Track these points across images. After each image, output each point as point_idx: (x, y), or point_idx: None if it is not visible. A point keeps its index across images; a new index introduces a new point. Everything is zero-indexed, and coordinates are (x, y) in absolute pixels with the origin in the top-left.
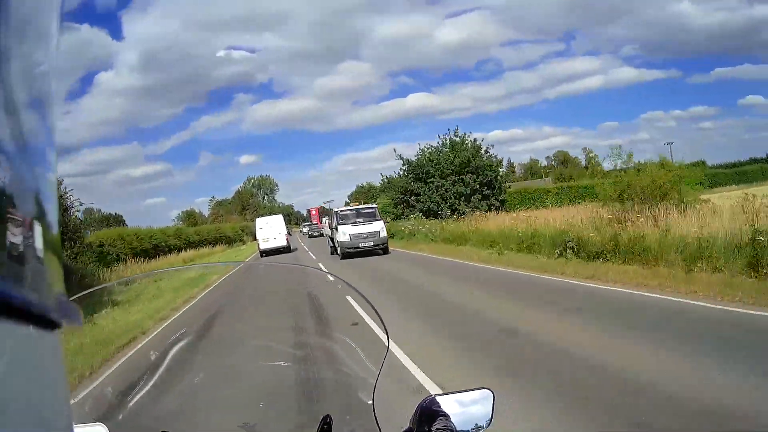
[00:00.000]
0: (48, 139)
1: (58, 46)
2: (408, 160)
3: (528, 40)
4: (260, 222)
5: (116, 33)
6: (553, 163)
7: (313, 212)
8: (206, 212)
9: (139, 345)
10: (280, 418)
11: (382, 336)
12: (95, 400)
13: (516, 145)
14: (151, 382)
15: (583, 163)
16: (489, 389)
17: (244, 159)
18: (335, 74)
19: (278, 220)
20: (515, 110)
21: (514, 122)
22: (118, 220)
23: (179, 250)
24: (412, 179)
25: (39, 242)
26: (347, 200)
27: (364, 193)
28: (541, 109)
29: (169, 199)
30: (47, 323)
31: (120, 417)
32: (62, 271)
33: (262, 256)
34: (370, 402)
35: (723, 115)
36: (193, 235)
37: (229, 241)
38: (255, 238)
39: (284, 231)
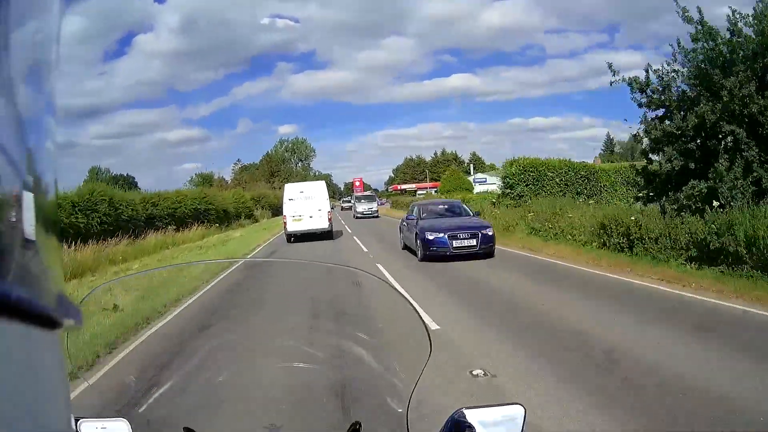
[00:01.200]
0: (47, 107)
1: (61, 14)
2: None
3: (572, 30)
4: (290, 190)
5: None
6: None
7: (357, 183)
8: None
9: (155, 329)
10: (306, 421)
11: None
12: (117, 393)
13: (556, 133)
14: (174, 378)
15: None
16: (521, 405)
17: (283, 129)
18: (378, 49)
19: (319, 188)
20: (556, 97)
21: (554, 110)
22: (128, 182)
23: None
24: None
25: (38, 241)
26: (391, 175)
27: (413, 167)
28: (581, 99)
29: (206, 165)
30: (47, 323)
31: (142, 412)
32: (62, 271)
33: (289, 240)
34: (402, 411)
35: None
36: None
37: (222, 220)
38: (280, 213)
39: (327, 206)
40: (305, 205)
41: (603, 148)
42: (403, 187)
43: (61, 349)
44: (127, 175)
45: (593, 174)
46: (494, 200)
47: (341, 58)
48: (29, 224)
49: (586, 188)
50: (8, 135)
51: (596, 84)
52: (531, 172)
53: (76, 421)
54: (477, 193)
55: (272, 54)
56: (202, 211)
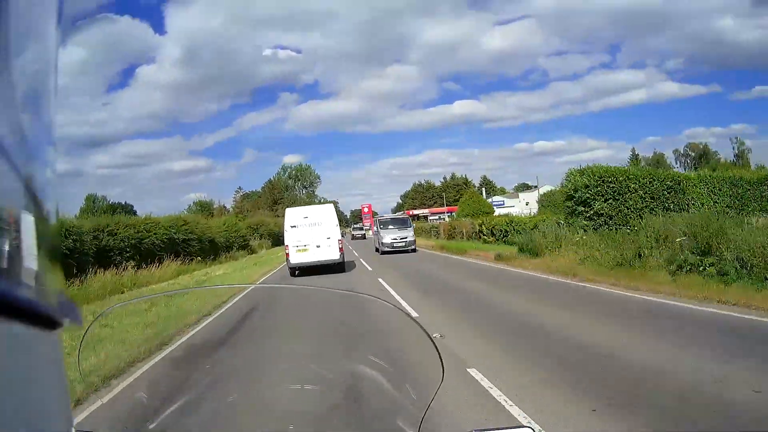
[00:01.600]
0: (45, 136)
1: (59, 44)
2: None
3: (574, 51)
4: (293, 216)
5: (158, 26)
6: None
7: (366, 210)
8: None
9: (168, 352)
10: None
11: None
12: (129, 412)
13: (561, 156)
14: (186, 397)
15: (731, 154)
16: (531, 428)
17: (288, 158)
18: (382, 77)
19: (327, 212)
20: (560, 121)
21: (558, 134)
22: (126, 210)
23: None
24: None
25: (39, 242)
26: (399, 201)
27: (421, 193)
28: (585, 122)
29: (211, 194)
30: (47, 323)
31: (153, 428)
32: (62, 271)
33: (293, 274)
34: None
35: (763, 133)
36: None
37: (208, 252)
38: (281, 242)
39: (337, 233)
40: (311, 232)
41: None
42: (415, 212)
43: (62, 350)
44: (126, 203)
45: (678, 184)
46: (561, 220)
47: (345, 87)
48: (29, 225)
49: (673, 201)
50: (8, 161)
51: (599, 106)
52: (610, 182)
53: None
54: (499, 215)
55: (275, 85)
56: (180, 241)
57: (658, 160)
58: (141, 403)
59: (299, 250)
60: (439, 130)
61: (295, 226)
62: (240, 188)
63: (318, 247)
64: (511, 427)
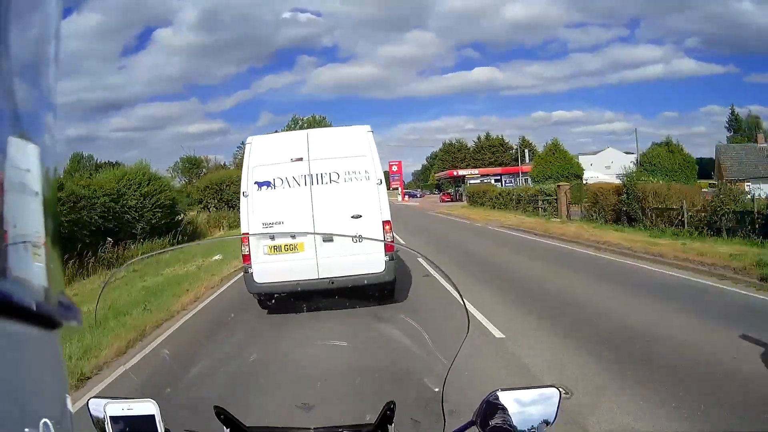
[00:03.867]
0: (45, 102)
1: (60, 11)
2: None
3: (594, 23)
4: (263, 153)
5: None
6: None
7: (395, 169)
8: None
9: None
10: (340, 401)
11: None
12: (147, 375)
13: (578, 126)
14: (206, 359)
15: None
16: (556, 387)
17: None
18: (401, 43)
19: (354, 148)
20: (578, 91)
21: (576, 104)
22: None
23: None
24: None
25: (39, 242)
26: (425, 163)
27: (452, 154)
28: (602, 94)
29: (226, 157)
30: (47, 323)
31: (171, 392)
32: (62, 271)
33: (263, 305)
34: (438, 390)
35: None
36: None
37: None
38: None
39: (379, 204)
40: (308, 201)
41: (727, 126)
42: (462, 173)
43: (61, 350)
44: (116, 162)
45: None
46: None
47: (364, 51)
48: (29, 224)
49: None
50: (3, 129)
51: (617, 79)
52: None
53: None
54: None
55: (294, 48)
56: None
57: (757, 123)
58: (161, 369)
59: (273, 251)
60: (456, 97)
61: (267, 185)
62: (243, 143)
63: (327, 243)
64: (536, 386)
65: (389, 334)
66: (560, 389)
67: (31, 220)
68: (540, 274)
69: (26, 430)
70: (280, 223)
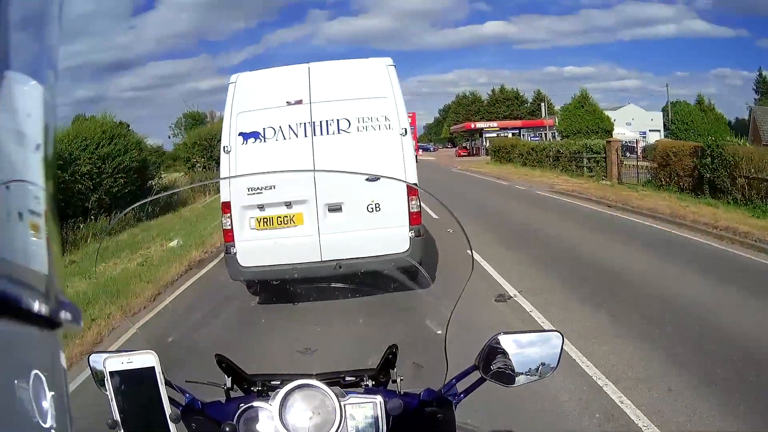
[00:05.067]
0: (46, 59)
1: None
2: None
3: None
4: (249, 96)
5: None
6: None
7: (409, 120)
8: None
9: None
10: (342, 344)
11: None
12: (148, 328)
13: (590, 83)
14: (206, 308)
15: None
16: (559, 332)
17: None
18: None
19: (370, 86)
20: (590, 48)
21: (587, 60)
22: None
23: None
24: None
25: (39, 241)
26: (437, 116)
27: (465, 107)
28: (614, 51)
29: None
30: (47, 323)
31: (172, 341)
32: (63, 271)
33: (255, 291)
34: (441, 333)
35: None
36: None
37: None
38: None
39: (404, 159)
40: (302, 158)
41: (755, 88)
42: (480, 125)
43: (62, 350)
44: (120, 122)
45: None
46: None
47: (375, 4)
48: (29, 223)
49: None
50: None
51: (629, 36)
52: None
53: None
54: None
55: (305, 1)
56: None
57: None
58: (159, 324)
59: (262, 224)
60: (469, 50)
61: (255, 137)
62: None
63: (333, 214)
64: (538, 330)
65: (393, 274)
66: (562, 333)
67: (29, 182)
68: (708, 301)
69: (15, 380)
70: (271, 188)
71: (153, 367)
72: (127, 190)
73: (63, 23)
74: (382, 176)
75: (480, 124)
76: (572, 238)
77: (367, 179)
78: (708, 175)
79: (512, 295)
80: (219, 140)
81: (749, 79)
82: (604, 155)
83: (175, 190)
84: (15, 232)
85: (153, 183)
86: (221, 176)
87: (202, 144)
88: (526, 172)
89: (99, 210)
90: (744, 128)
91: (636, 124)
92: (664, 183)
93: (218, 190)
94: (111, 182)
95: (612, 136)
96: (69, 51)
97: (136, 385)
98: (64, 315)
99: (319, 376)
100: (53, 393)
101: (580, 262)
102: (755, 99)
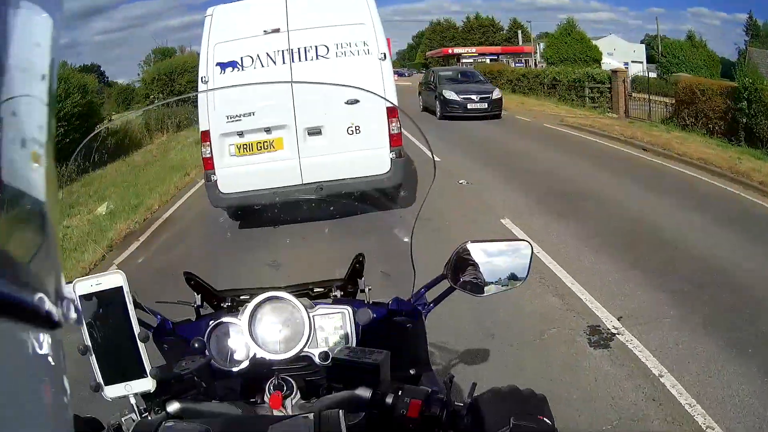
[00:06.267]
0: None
1: None
2: None
3: None
4: (225, 21)
5: None
6: None
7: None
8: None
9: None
10: (310, 257)
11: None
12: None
13: (563, 13)
14: (175, 228)
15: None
16: (528, 242)
17: None
18: None
19: (347, 15)
20: None
21: None
22: (93, 72)
23: None
24: None
25: (39, 240)
26: (411, 42)
27: (439, 33)
28: None
29: None
30: (47, 323)
31: (141, 262)
32: (62, 270)
33: (237, 217)
34: (407, 240)
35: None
36: None
37: None
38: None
39: (380, 84)
40: (280, 85)
41: (744, 30)
42: (458, 51)
43: (62, 350)
44: (92, 64)
45: None
46: None
47: None
48: (29, 221)
49: None
50: None
51: None
52: None
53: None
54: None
55: None
56: None
57: None
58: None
59: (242, 151)
60: None
61: (232, 66)
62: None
63: (313, 137)
64: (507, 240)
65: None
66: (531, 243)
67: (33, 119)
68: None
69: (15, 380)
70: (250, 114)
71: (121, 287)
72: (68, 139)
73: None
74: (362, 89)
75: (458, 50)
76: (633, 203)
77: (346, 102)
78: (744, 120)
79: (613, 332)
80: (180, 73)
81: (727, 21)
82: (609, 86)
83: (104, 125)
84: (18, 155)
85: (101, 128)
86: (199, 108)
87: (162, 79)
88: (522, 100)
89: None
90: (732, 68)
91: (617, 54)
92: (688, 123)
93: (178, 127)
94: None
95: (600, 65)
96: None
97: (105, 307)
98: (65, 315)
99: (288, 289)
100: (53, 393)
101: (674, 253)
102: (745, 41)
